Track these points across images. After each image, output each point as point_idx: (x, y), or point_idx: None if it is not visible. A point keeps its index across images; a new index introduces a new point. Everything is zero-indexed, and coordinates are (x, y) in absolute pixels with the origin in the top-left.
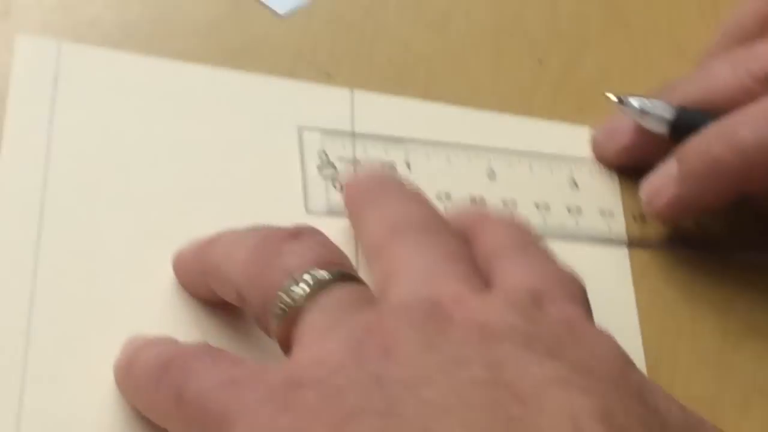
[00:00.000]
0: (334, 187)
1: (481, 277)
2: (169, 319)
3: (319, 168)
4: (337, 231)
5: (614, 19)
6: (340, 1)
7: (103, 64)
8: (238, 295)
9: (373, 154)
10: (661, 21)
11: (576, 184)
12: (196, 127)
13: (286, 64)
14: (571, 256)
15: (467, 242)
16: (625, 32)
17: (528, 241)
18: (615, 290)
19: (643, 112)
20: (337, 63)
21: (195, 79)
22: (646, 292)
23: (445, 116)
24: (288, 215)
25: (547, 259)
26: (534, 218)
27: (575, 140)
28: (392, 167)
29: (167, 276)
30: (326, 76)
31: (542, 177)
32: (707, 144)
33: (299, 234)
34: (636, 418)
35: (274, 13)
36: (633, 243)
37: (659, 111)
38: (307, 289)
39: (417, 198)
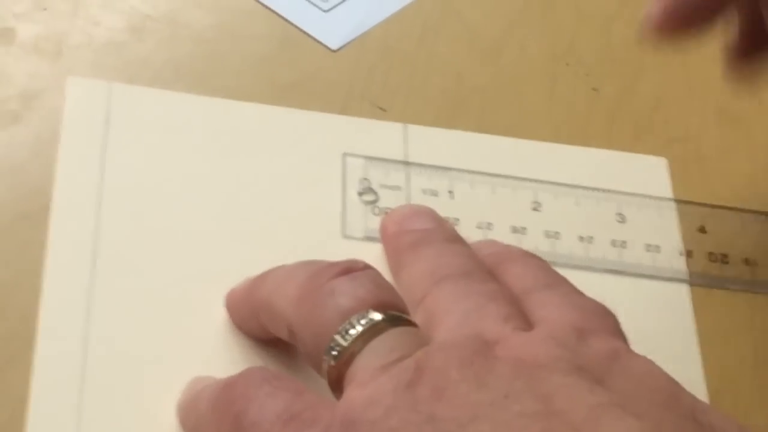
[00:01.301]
0: (373, 213)
1: (523, 317)
2: (222, 357)
3: (360, 194)
4: (373, 257)
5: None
6: (391, 33)
7: (154, 104)
8: (290, 331)
9: (417, 182)
10: (716, 46)
11: (623, 218)
12: (246, 164)
13: (338, 98)
14: (616, 289)
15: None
16: (680, 58)
17: (554, 278)
18: (673, 323)
19: None
20: (390, 96)
21: (246, 117)
22: (707, 324)
23: (496, 147)
24: (324, 240)
25: (578, 294)
26: (576, 250)
27: (628, 171)
28: (434, 194)
29: (220, 314)
30: (379, 110)
31: (588, 210)
32: None
33: (351, 270)
34: None
35: (325, 47)
36: (678, 279)
37: None
38: (362, 333)
39: (456, 245)
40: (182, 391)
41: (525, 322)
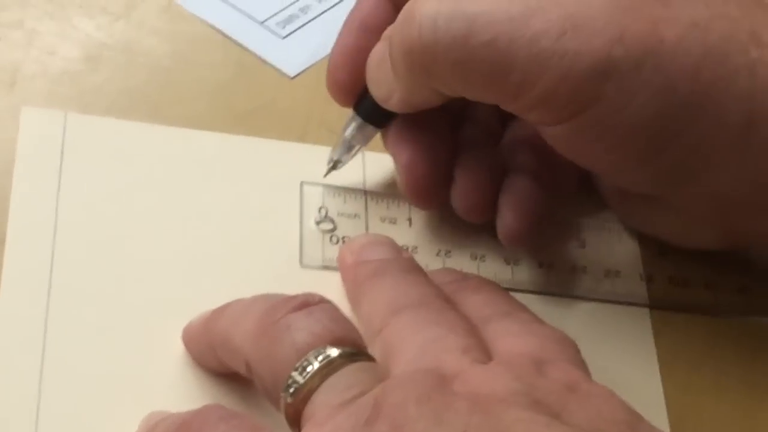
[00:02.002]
0: (331, 242)
1: (482, 348)
2: (180, 391)
3: (318, 222)
4: (330, 286)
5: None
6: None
7: (109, 133)
8: (248, 366)
9: (375, 209)
10: None
11: (584, 244)
12: (203, 194)
13: (296, 126)
14: (576, 315)
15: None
16: None
17: (513, 306)
18: (634, 348)
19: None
20: None
21: (202, 145)
22: (668, 349)
23: None
24: (282, 269)
25: (537, 322)
26: (536, 277)
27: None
28: (393, 222)
29: (178, 347)
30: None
31: (549, 237)
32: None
33: (307, 304)
34: None
35: (282, 74)
36: (639, 303)
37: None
38: (319, 370)
39: (414, 275)
40: (138, 426)
41: (483, 353)
